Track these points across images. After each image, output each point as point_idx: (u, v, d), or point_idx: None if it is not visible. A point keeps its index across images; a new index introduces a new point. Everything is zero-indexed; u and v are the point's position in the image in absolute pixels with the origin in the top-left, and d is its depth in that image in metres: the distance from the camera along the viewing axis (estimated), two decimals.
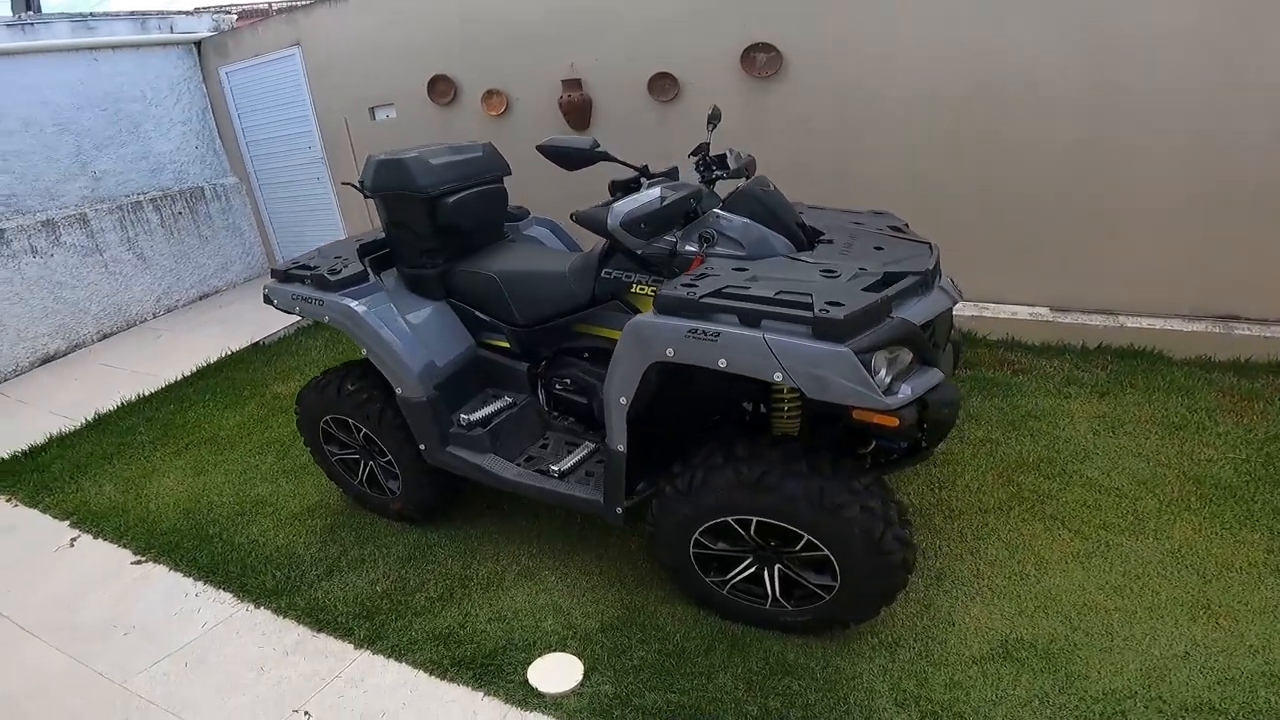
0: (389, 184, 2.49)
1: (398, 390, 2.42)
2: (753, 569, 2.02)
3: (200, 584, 2.67)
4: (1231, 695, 1.79)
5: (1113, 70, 3.23)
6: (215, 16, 6.07)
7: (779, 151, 4.06)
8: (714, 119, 2.58)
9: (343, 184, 2.89)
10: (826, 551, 1.82)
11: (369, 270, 2.54)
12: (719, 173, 2.38)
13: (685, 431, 2.20)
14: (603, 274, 2.28)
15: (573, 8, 4.31)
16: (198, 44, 5.88)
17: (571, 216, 2.12)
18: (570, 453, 2.39)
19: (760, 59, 3.90)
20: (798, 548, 1.88)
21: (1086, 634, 2.01)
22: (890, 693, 1.91)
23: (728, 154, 2.47)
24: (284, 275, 2.64)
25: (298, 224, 6.02)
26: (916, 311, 1.76)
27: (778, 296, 1.65)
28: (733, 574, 2.05)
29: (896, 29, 3.58)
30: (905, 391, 1.64)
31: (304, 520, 2.95)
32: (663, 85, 4.20)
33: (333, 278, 2.44)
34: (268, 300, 2.69)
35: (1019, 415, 3.06)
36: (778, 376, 1.59)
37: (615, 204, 1.95)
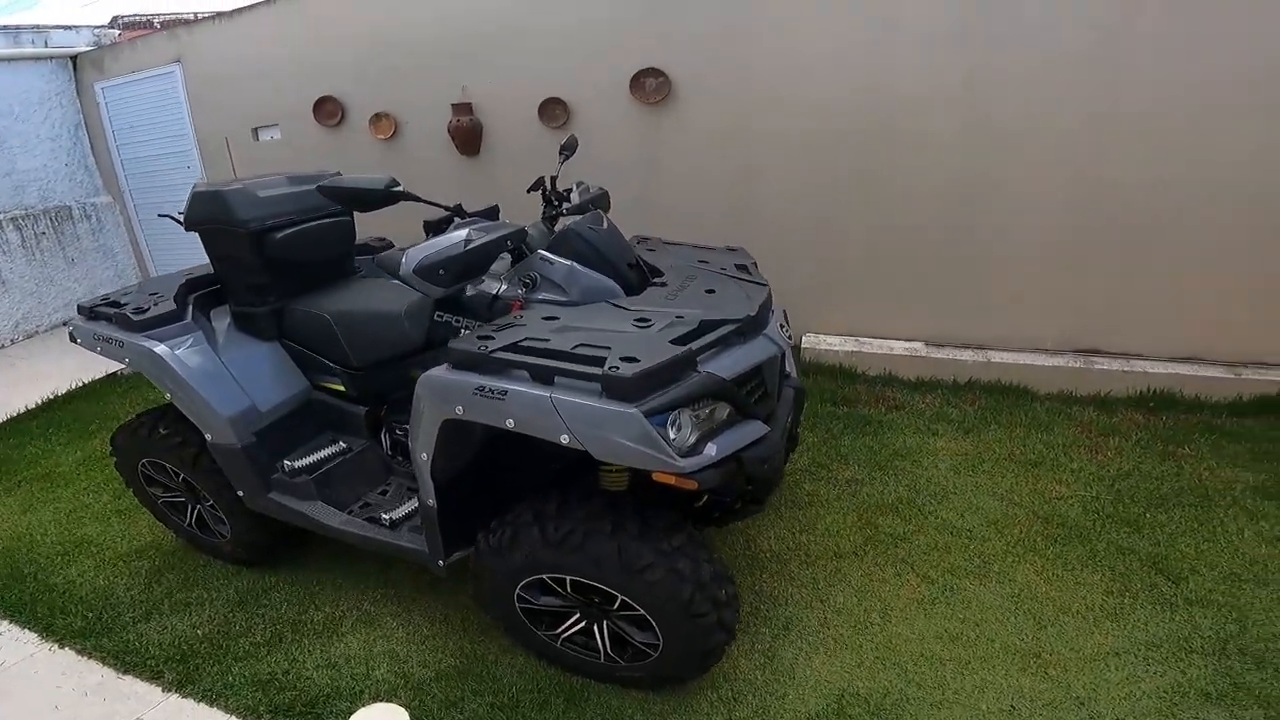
0: (207, 217, 2.30)
1: (208, 436, 2.23)
2: (582, 624, 1.91)
3: (3, 623, 2.48)
4: None
5: (986, 108, 3.33)
6: (96, 31, 5.73)
7: (669, 176, 4.06)
8: (567, 149, 2.50)
9: (160, 216, 2.66)
10: (643, 611, 1.72)
11: (183, 309, 2.34)
12: (562, 208, 2.28)
13: (527, 481, 2.08)
14: (435, 317, 2.15)
15: (464, 32, 4.22)
16: (74, 59, 5.51)
17: (372, 260, 1.98)
18: (407, 500, 2.24)
19: (650, 84, 3.88)
20: (616, 606, 1.77)
21: (919, 686, 1.96)
22: None
23: (574, 188, 2.39)
24: (90, 312, 2.41)
25: (175, 246, 5.66)
26: (731, 363, 1.69)
27: (573, 351, 1.55)
28: (563, 628, 1.94)
29: (784, 57, 3.61)
30: (710, 452, 1.56)
31: (130, 561, 2.77)
32: (553, 111, 4.13)
33: (137, 317, 2.24)
34: (73, 339, 2.45)
35: (887, 455, 3.06)
36: (564, 439, 1.49)
37: (411, 249, 1.82)
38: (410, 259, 1.79)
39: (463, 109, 4.31)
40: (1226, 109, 3.02)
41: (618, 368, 1.47)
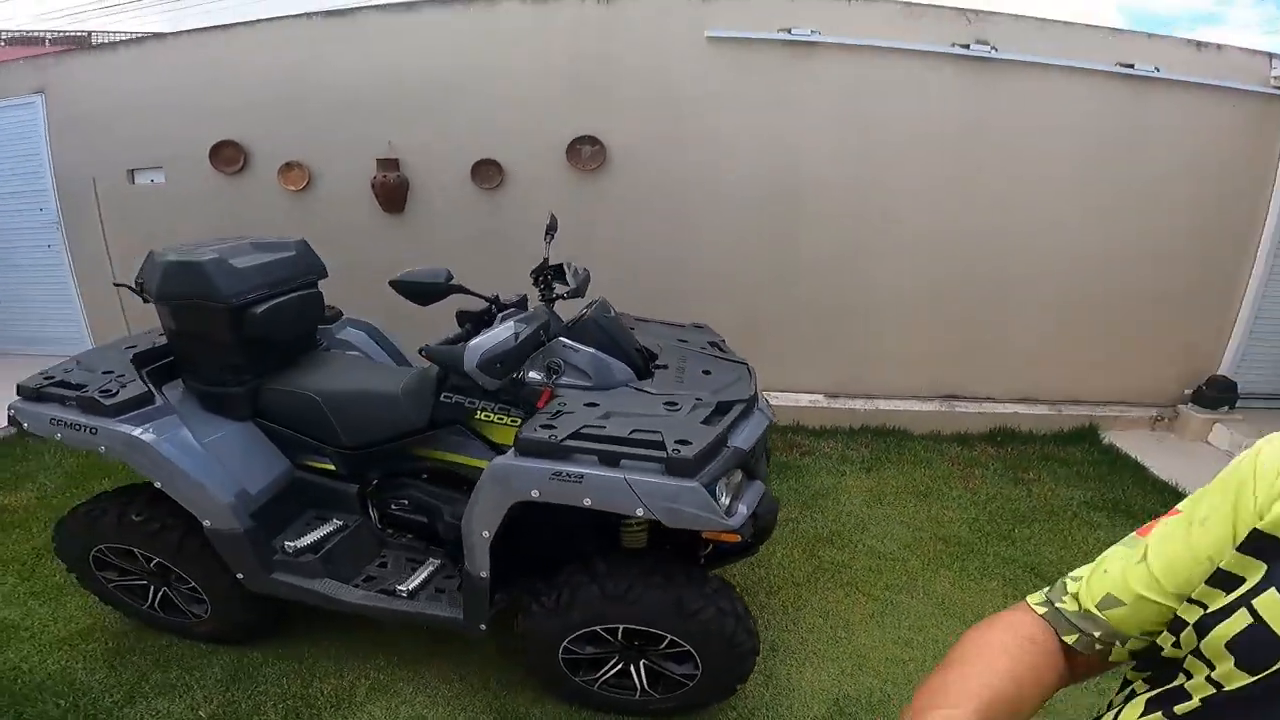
0: (183, 291, 2.20)
1: (206, 523, 2.15)
2: (619, 665, 2.12)
3: None
4: None
5: (870, 193, 4.02)
6: None
7: (601, 243, 4.33)
8: (551, 230, 2.63)
9: (116, 285, 2.48)
10: (688, 647, 1.99)
11: (153, 390, 2.23)
12: (560, 292, 2.47)
13: (543, 543, 2.24)
14: (442, 398, 2.26)
15: (393, 84, 4.21)
16: None
17: (421, 351, 2.09)
18: (414, 570, 2.30)
19: (586, 151, 4.16)
20: (661, 646, 2.02)
21: (895, 685, 2.38)
22: None
23: (565, 269, 2.58)
24: (35, 393, 2.21)
25: (20, 295, 4.96)
26: (746, 437, 2.01)
27: (632, 436, 1.80)
28: (602, 673, 2.13)
29: (709, 134, 4.07)
30: (742, 510, 1.87)
31: (77, 644, 2.49)
32: (487, 172, 4.26)
33: (108, 401, 2.10)
34: (14, 423, 2.23)
35: (810, 494, 3.55)
36: (640, 511, 1.73)
37: (471, 342, 1.97)
38: (472, 354, 1.92)
39: (389, 164, 4.30)
40: (1052, 195, 3.96)
41: (679, 450, 1.74)
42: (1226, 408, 4.37)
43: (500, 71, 4.13)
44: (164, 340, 2.50)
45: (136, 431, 2.09)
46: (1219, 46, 4.10)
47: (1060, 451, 4.00)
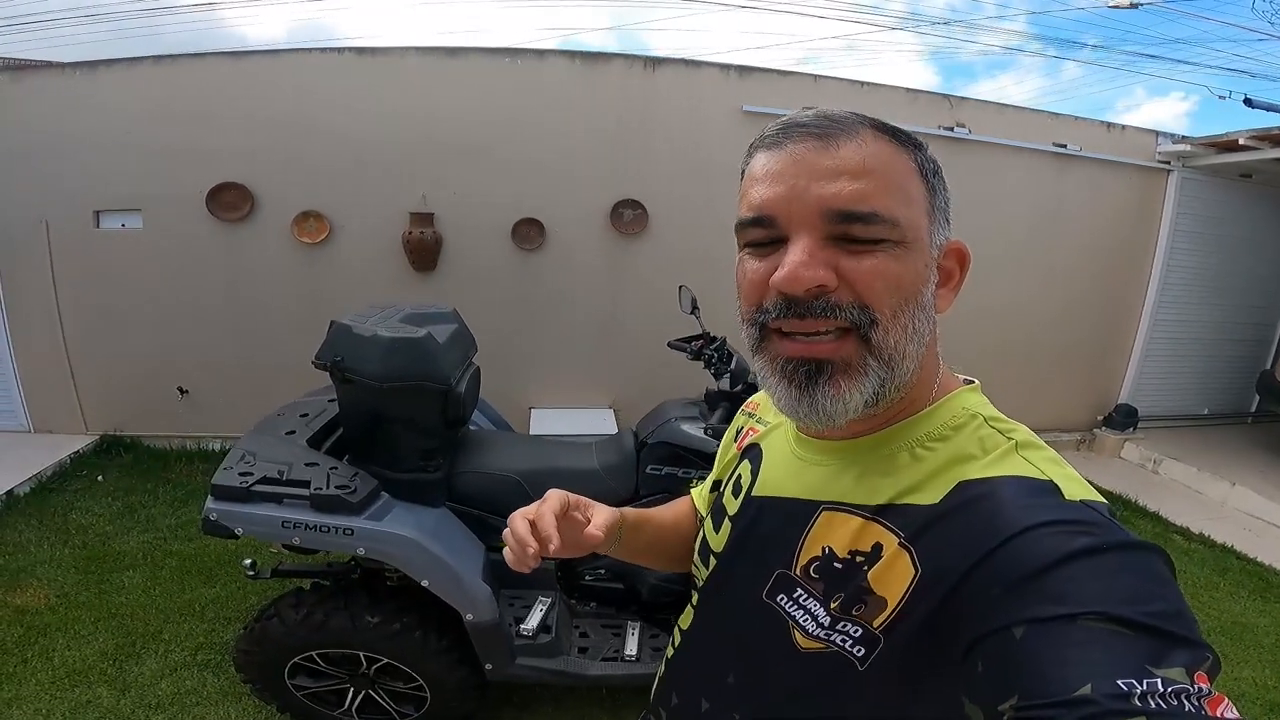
0: (408, 373, 2.05)
1: (468, 616, 2.05)
2: None
3: None
4: None
5: None
6: None
7: (635, 308, 4.45)
8: (696, 304, 2.74)
9: (314, 364, 2.18)
10: None
11: (380, 484, 2.11)
12: (726, 367, 2.56)
13: None
14: (649, 470, 2.34)
15: (428, 139, 4.07)
16: None
17: (706, 432, 2.20)
18: (619, 635, 2.34)
19: (628, 215, 4.27)
20: None
21: None
22: None
23: (722, 342, 2.69)
24: (244, 493, 1.95)
25: None
26: None
27: None
28: None
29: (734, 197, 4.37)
30: None
31: None
32: (528, 233, 4.24)
33: (354, 499, 1.97)
34: (218, 529, 1.95)
35: None
36: None
37: None
38: None
39: (423, 220, 4.14)
40: (997, 253, 4.76)
41: None
42: (1131, 429, 5.42)
43: (545, 128, 4.15)
44: (317, 420, 2.34)
45: (401, 530, 1.99)
46: (1123, 127, 5.16)
47: None
